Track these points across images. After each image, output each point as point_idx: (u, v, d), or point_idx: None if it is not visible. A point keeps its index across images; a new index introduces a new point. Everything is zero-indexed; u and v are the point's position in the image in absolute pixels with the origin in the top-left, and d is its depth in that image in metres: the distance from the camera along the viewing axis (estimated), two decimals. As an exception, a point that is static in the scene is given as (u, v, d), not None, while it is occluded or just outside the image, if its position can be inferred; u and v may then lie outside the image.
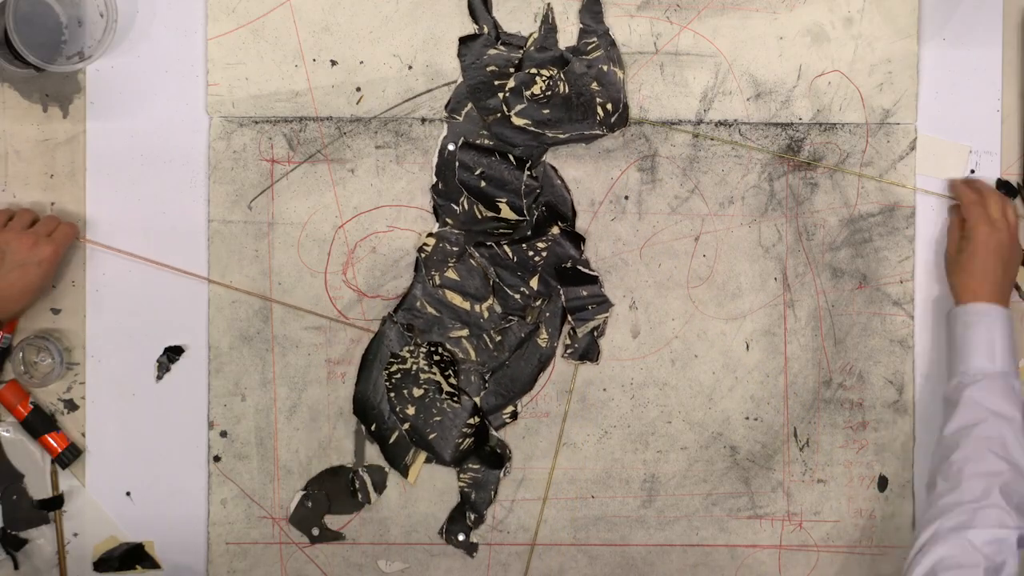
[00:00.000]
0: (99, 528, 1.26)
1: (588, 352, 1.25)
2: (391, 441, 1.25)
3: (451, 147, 1.25)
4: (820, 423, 1.27)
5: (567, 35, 1.25)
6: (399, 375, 1.24)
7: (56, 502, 1.24)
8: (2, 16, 1.18)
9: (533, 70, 1.23)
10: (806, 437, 1.27)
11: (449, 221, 1.24)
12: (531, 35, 1.24)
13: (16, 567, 1.25)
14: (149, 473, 1.26)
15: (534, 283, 1.24)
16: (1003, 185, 1.25)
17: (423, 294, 1.25)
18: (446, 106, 1.24)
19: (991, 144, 1.27)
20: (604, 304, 1.25)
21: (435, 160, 1.25)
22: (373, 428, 1.25)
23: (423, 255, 1.25)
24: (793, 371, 1.27)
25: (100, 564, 1.26)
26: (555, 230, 1.24)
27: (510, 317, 1.24)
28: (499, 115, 1.23)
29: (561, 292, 1.25)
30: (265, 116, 1.25)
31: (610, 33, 1.24)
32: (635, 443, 1.27)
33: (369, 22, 1.25)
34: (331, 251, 1.25)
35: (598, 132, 1.24)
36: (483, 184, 1.23)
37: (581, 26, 1.24)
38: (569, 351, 1.25)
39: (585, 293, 1.25)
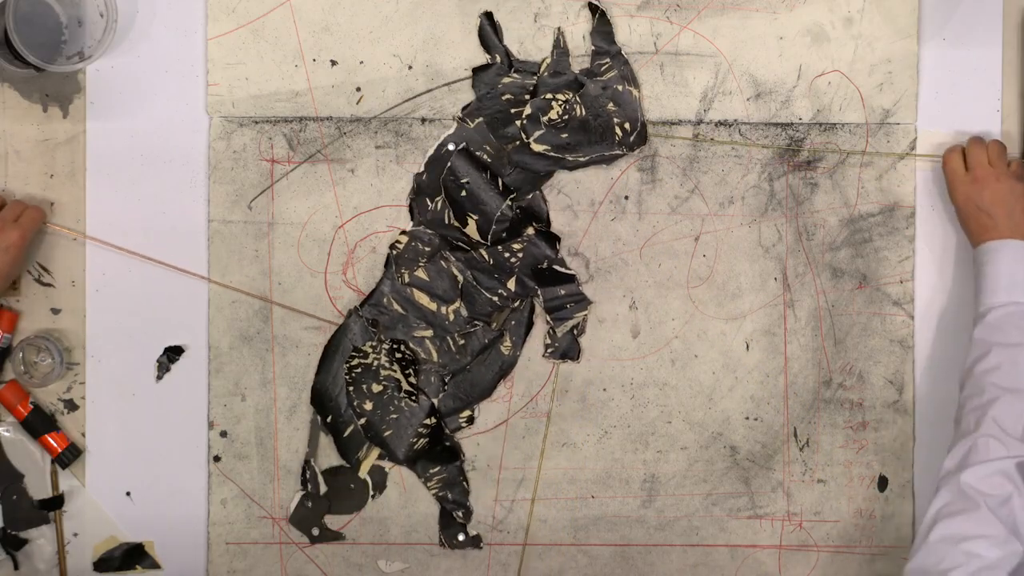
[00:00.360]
0: (99, 528, 1.26)
1: (568, 351, 1.25)
2: (345, 434, 1.25)
3: (451, 147, 1.25)
4: (820, 423, 1.27)
5: (580, 59, 1.24)
6: (359, 369, 1.24)
7: (56, 502, 1.24)
8: (2, 16, 1.18)
9: (548, 95, 1.23)
10: (806, 437, 1.27)
11: (421, 220, 1.24)
12: (544, 60, 1.24)
13: (16, 567, 1.25)
14: (149, 473, 1.26)
15: (511, 284, 1.24)
16: None
17: (391, 291, 1.25)
18: (463, 108, 1.24)
19: (991, 144, 1.27)
20: (583, 302, 1.25)
21: (430, 151, 1.25)
22: (329, 420, 1.25)
23: (394, 252, 1.25)
24: (793, 371, 1.27)
25: (100, 564, 1.26)
26: (530, 231, 1.24)
27: (475, 322, 1.24)
28: (518, 143, 1.23)
29: (539, 292, 1.24)
30: (265, 116, 1.25)
31: (623, 53, 1.24)
32: (635, 443, 1.27)
33: (369, 22, 1.25)
34: (331, 251, 1.25)
35: (618, 152, 1.24)
36: (463, 194, 1.23)
37: (593, 48, 1.24)
38: (550, 351, 1.25)
39: (563, 292, 1.25)
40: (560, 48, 1.24)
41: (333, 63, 1.25)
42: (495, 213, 1.23)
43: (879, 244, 1.27)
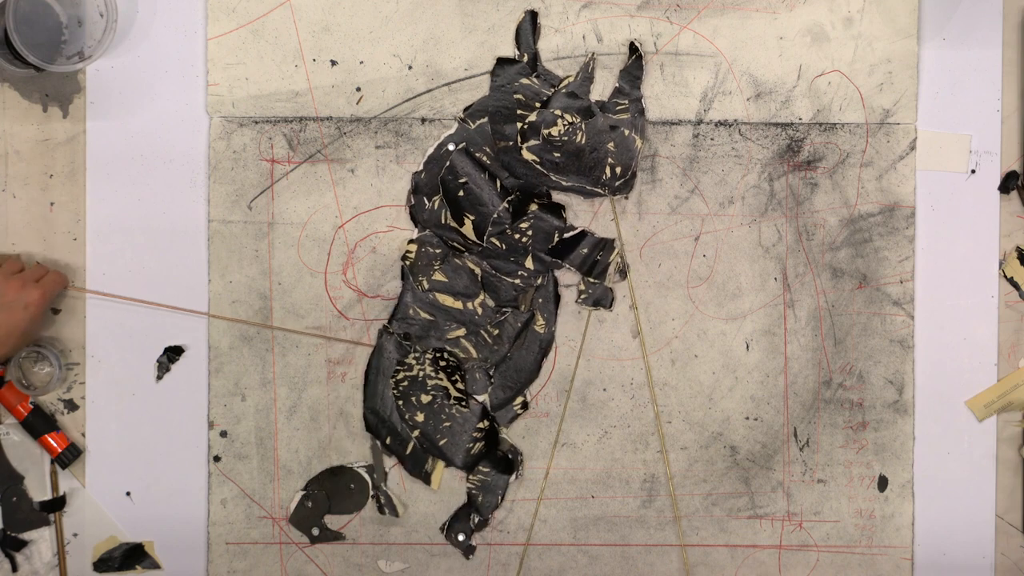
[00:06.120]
0: (99, 528, 1.26)
1: (602, 298, 1.25)
2: (408, 451, 1.25)
3: (451, 146, 1.25)
4: (820, 423, 1.27)
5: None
6: (406, 383, 1.24)
7: (57, 504, 1.24)
8: (2, 16, 1.18)
9: (558, 111, 1.23)
10: (806, 437, 1.27)
11: (422, 222, 1.24)
12: (566, 78, 1.24)
13: (15, 568, 1.25)
14: (149, 473, 1.26)
15: (529, 263, 1.24)
16: (1010, 176, 1.26)
17: (414, 301, 1.25)
18: (465, 108, 1.24)
19: (991, 144, 1.27)
20: (609, 244, 1.25)
21: (430, 151, 1.25)
22: (388, 441, 1.25)
23: (407, 262, 1.25)
24: (793, 371, 1.27)
25: (100, 564, 1.26)
26: (533, 207, 1.24)
27: (503, 309, 1.24)
28: (511, 144, 1.23)
29: (565, 265, 1.24)
30: (265, 116, 1.25)
31: (642, 101, 1.24)
32: (635, 443, 1.27)
33: (369, 22, 1.25)
34: (331, 251, 1.25)
35: (599, 191, 1.24)
36: (461, 194, 1.23)
37: (616, 86, 1.24)
38: (583, 297, 1.25)
39: (586, 250, 1.25)
40: (587, 74, 1.23)
41: (333, 63, 1.25)
42: (492, 214, 1.23)
43: (879, 244, 1.27)
